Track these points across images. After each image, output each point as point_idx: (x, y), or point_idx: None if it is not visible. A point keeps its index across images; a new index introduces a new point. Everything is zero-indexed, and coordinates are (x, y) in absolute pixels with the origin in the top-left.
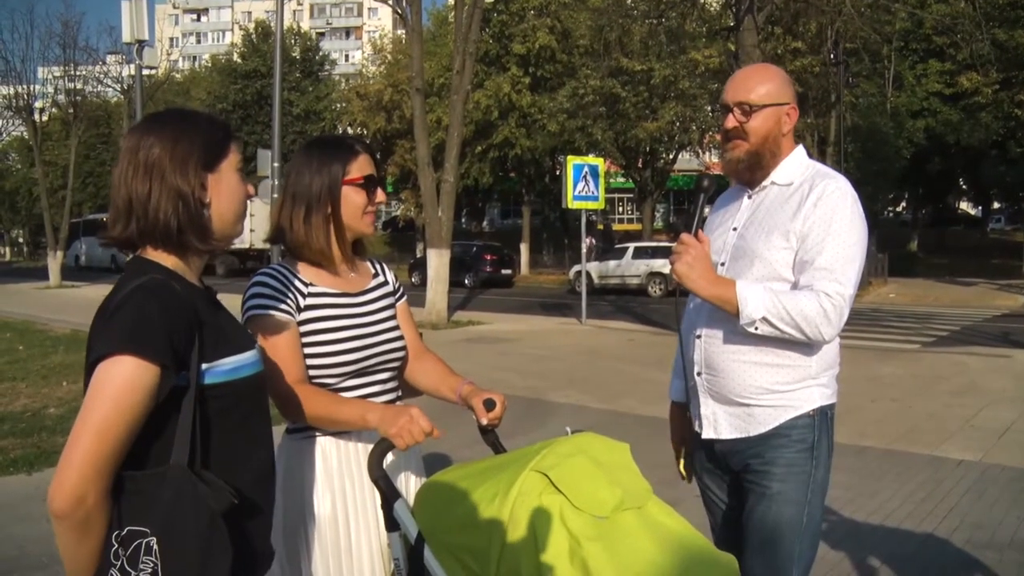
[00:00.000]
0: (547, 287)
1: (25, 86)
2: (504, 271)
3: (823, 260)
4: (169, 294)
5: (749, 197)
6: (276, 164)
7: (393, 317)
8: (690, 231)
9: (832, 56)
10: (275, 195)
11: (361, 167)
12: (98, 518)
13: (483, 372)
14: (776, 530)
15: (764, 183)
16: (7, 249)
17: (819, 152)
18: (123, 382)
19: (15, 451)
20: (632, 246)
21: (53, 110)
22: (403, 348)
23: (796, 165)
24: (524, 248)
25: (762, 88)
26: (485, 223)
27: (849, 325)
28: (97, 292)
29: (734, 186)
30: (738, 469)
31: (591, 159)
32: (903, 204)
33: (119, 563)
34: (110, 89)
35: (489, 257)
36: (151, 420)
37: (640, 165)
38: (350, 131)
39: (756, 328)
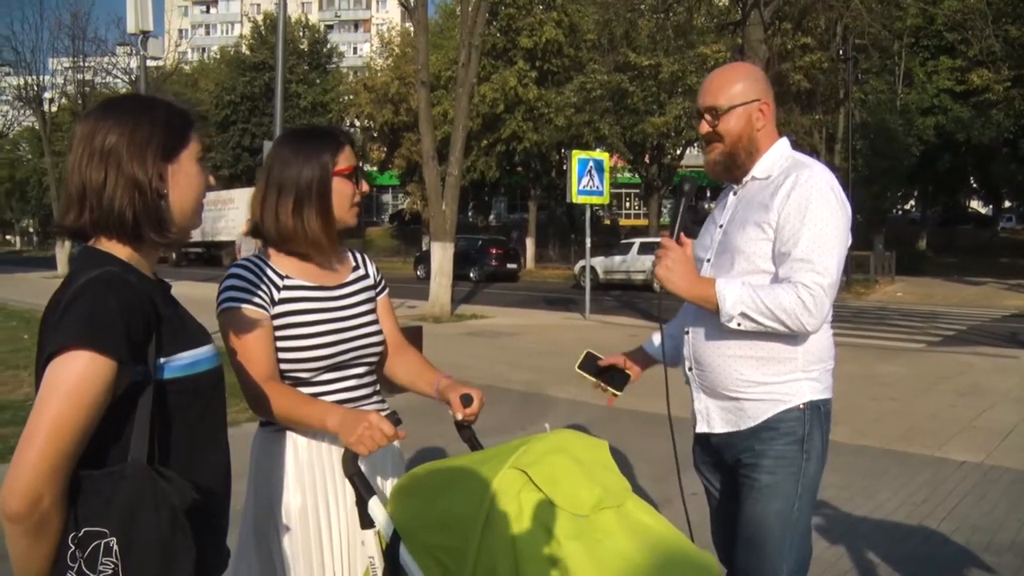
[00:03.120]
0: (552, 282)
1: (35, 76)
2: (509, 265)
3: (800, 251)
4: (125, 287)
5: (734, 194)
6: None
7: (371, 311)
8: (673, 234)
9: (841, 52)
10: None
11: (347, 158)
12: (54, 520)
13: (483, 366)
14: (764, 523)
15: (746, 179)
16: (17, 238)
17: (827, 149)
18: (78, 378)
19: (16, 439)
20: (638, 241)
21: (62, 101)
22: (381, 343)
23: (776, 158)
24: (530, 243)
25: (728, 90)
26: (492, 217)
27: (853, 323)
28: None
29: (727, 185)
30: (731, 463)
31: (596, 154)
32: (912, 202)
33: (76, 565)
34: (119, 80)
35: (494, 251)
36: (108, 417)
37: (647, 160)
38: (357, 123)
39: (739, 324)
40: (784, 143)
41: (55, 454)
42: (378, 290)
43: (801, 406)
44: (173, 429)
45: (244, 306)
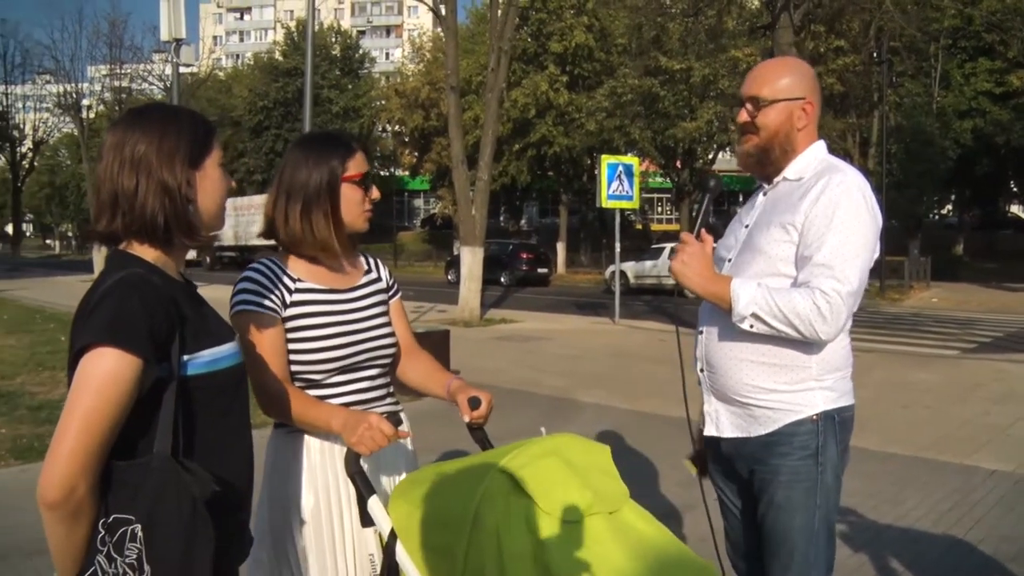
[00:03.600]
0: (583, 286)
1: (74, 84)
2: (540, 270)
3: (822, 255)
4: (149, 287)
5: (764, 194)
6: None
7: (383, 314)
8: (694, 230)
9: (875, 55)
10: None
11: (358, 164)
12: (88, 508)
13: (511, 370)
14: (788, 538)
15: (777, 179)
16: (56, 243)
17: (861, 153)
18: (106, 374)
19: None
20: (669, 246)
21: (100, 107)
22: (393, 345)
23: (810, 160)
24: (561, 247)
25: (775, 82)
26: (523, 222)
27: (887, 329)
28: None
29: (758, 185)
30: (745, 475)
31: (626, 158)
32: (949, 207)
33: (105, 549)
34: (154, 87)
35: (525, 255)
36: (137, 411)
37: (678, 165)
38: (388, 128)
39: (751, 326)
40: (820, 146)
41: (87, 446)
42: (390, 293)
43: (814, 417)
44: (198, 423)
45: (256, 309)
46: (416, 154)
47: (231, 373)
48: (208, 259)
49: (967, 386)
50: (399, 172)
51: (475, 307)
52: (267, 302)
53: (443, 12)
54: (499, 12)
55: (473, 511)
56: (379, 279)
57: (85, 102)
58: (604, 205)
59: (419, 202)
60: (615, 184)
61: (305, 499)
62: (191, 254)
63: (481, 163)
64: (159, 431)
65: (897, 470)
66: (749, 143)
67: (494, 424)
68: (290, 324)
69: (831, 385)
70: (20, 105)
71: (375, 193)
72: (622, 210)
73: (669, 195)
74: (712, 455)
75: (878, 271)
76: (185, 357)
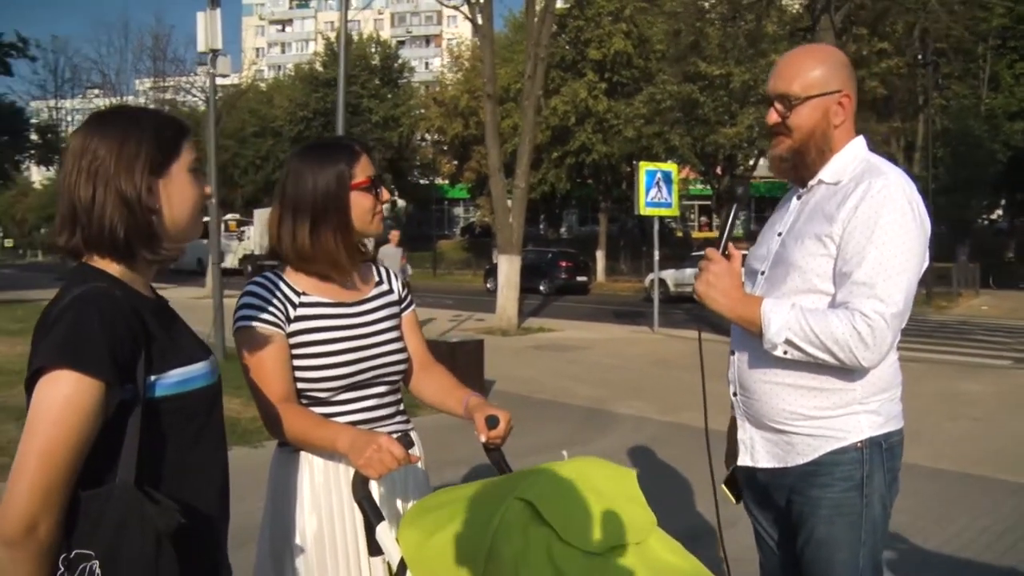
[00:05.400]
0: (623, 294)
1: (119, 98)
2: (579, 278)
3: (862, 273)
4: (109, 303)
5: (798, 198)
6: None
7: (394, 328)
8: (720, 246)
9: (920, 57)
10: None
11: (364, 168)
12: (52, 546)
13: (547, 380)
14: (830, 574)
15: (812, 182)
16: None
17: (906, 158)
18: (65, 400)
19: None
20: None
21: None
22: (404, 360)
23: (848, 160)
24: (600, 255)
25: (806, 76)
26: (563, 229)
27: (933, 338)
28: (180, 294)
29: (791, 187)
30: (781, 504)
31: (664, 165)
32: (999, 211)
33: None
34: (197, 98)
35: (564, 264)
36: (103, 436)
37: (719, 172)
38: (428, 137)
39: (784, 352)
40: (860, 143)
41: (47, 480)
42: (403, 306)
43: (859, 444)
44: (167, 448)
45: (258, 324)
46: (455, 162)
47: (204, 394)
48: (250, 268)
49: (1021, 398)
50: (438, 180)
51: (512, 315)
52: (269, 317)
53: (479, 21)
54: (535, 20)
55: (489, 542)
56: (391, 291)
57: None
58: (642, 212)
59: (459, 210)
60: (653, 191)
61: (308, 523)
62: (229, 262)
63: (518, 171)
64: (123, 458)
65: (945, 488)
66: (782, 146)
67: (526, 436)
68: (294, 340)
69: (877, 408)
70: (70, 119)
71: (385, 195)
72: (662, 217)
73: (709, 202)
74: (746, 481)
75: (925, 278)
76: (152, 377)
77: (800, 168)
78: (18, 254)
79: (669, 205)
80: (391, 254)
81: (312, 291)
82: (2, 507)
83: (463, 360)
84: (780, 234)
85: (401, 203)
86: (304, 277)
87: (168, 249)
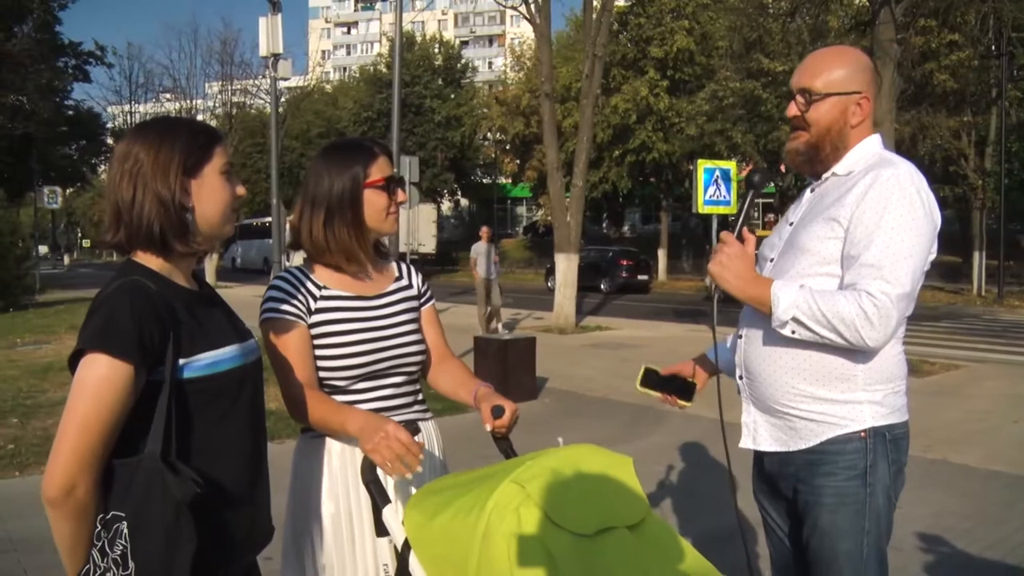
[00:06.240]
0: (684, 293)
1: (189, 101)
2: (640, 276)
3: (870, 255)
4: (141, 295)
5: (812, 191)
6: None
7: (412, 321)
8: (735, 229)
9: (994, 48)
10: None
11: (381, 168)
12: (90, 506)
13: (600, 377)
14: (834, 564)
15: (826, 175)
16: None
17: (977, 152)
18: (99, 379)
19: None
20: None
21: (213, 122)
22: (420, 353)
23: (862, 154)
24: (662, 254)
25: (829, 74)
26: (626, 228)
27: (1003, 338)
28: (248, 292)
29: (809, 181)
30: (788, 495)
31: (723, 163)
32: None
33: (100, 544)
34: (263, 100)
35: (625, 262)
36: (137, 412)
37: (782, 169)
38: (489, 136)
39: (792, 331)
40: (875, 140)
41: (84, 446)
42: (422, 301)
43: (862, 434)
44: (195, 425)
45: (282, 316)
46: (517, 161)
47: (232, 375)
48: None
49: None
50: (501, 179)
51: (570, 314)
52: (292, 309)
53: (537, 20)
54: (593, 18)
55: (484, 523)
56: (410, 286)
57: (200, 118)
58: (700, 210)
59: (521, 209)
60: (711, 189)
61: (325, 506)
62: (295, 260)
63: (576, 170)
64: (151, 432)
65: (999, 491)
66: (799, 140)
67: (575, 433)
68: (315, 331)
69: (881, 399)
70: None
71: (401, 196)
72: (722, 215)
73: (772, 199)
74: (756, 473)
75: (995, 277)
76: (181, 361)
77: (815, 163)
78: (95, 254)
79: (728, 203)
80: (482, 250)
81: (333, 285)
82: (47, 470)
83: (515, 357)
84: (791, 223)
85: (464, 202)
86: (326, 272)
87: (200, 243)
